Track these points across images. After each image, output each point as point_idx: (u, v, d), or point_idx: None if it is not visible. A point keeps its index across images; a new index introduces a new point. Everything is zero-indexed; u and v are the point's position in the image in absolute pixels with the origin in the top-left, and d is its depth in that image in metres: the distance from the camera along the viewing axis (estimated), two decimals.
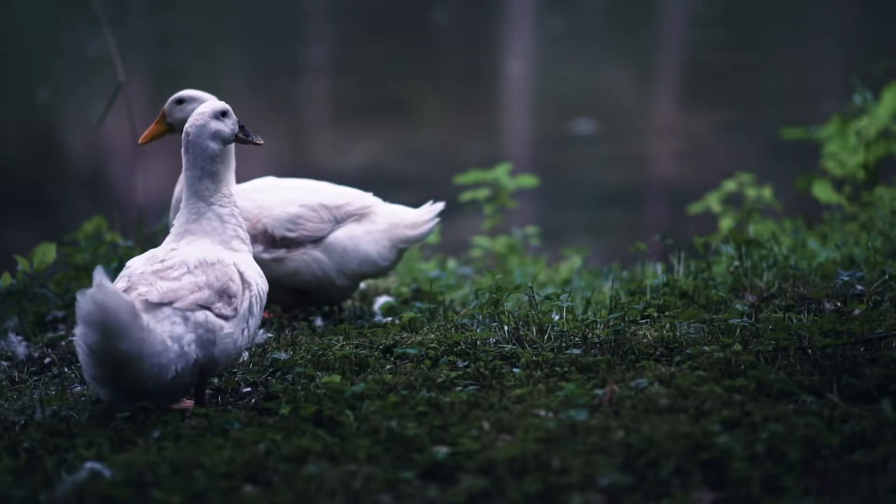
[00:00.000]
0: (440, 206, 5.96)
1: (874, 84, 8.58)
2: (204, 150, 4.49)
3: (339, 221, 5.86)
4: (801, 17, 22.82)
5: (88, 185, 13.20)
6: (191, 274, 4.32)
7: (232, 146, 5.52)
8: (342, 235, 5.84)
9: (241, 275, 4.43)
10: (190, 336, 4.25)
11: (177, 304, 4.25)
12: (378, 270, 5.92)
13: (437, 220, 5.94)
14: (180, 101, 5.74)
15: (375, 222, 5.90)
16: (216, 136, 4.50)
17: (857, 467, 3.67)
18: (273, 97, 16.51)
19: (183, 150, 4.52)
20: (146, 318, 4.16)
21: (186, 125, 4.51)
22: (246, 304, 4.41)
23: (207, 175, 4.50)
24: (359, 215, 5.89)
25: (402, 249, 5.92)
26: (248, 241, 4.59)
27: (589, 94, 17.82)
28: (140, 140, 5.82)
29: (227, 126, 4.54)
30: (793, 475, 3.66)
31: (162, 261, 4.38)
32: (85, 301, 4.03)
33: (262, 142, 4.69)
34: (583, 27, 23.45)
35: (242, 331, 4.41)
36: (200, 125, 4.49)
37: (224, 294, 4.34)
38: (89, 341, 4.10)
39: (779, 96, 16.53)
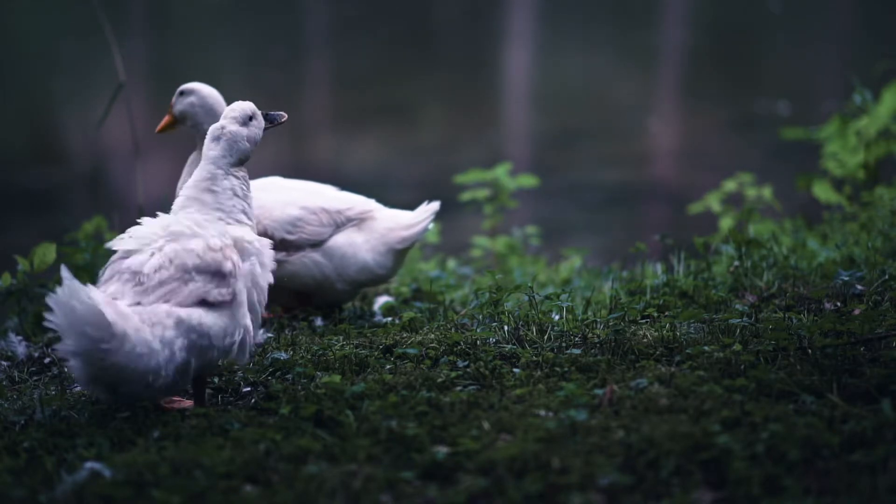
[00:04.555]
0: (436, 205, 5.95)
1: (874, 84, 8.58)
2: (236, 144, 4.53)
3: (339, 226, 5.85)
4: (801, 17, 22.81)
5: (88, 184, 13.20)
6: (184, 273, 4.27)
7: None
8: (342, 241, 5.83)
9: (248, 242, 4.40)
10: (181, 342, 4.21)
11: (172, 305, 4.21)
12: (376, 278, 5.91)
13: (432, 218, 5.93)
14: (182, 93, 5.81)
15: (374, 228, 5.88)
16: (249, 139, 4.56)
17: (857, 467, 3.67)
18: (274, 97, 16.50)
19: (211, 137, 4.51)
20: (128, 317, 4.13)
21: (222, 121, 4.53)
22: (255, 270, 4.38)
23: (233, 156, 4.53)
24: (359, 220, 5.88)
25: (399, 251, 5.90)
26: (253, 218, 4.57)
27: (589, 93, 17.82)
28: (157, 129, 5.87)
29: (259, 128, 4.61)
30: (793, 475, 3.66)
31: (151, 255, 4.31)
32: (56, 311, 4.02)
33: (285, 116, 4.76)
34: (582, 27, 23.45)
35: (250, 319, 4.36)
36: (238, 125, 4.54)
37: (217, 275, 4.28)
38: (70, 349, 4.09)
39: (779, 96, 16.53)
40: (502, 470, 3.73)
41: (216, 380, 4.70)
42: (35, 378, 5.07)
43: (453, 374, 4.53)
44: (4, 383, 4.99)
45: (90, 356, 4.06)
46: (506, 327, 5.06)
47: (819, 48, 20.30)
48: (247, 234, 4.45)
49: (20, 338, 5.51)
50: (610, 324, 5.00)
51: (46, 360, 5.34)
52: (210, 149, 4.52)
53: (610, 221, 11.71)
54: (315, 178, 6.14)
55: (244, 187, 4.54)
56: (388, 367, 4.71)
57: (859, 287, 5.38)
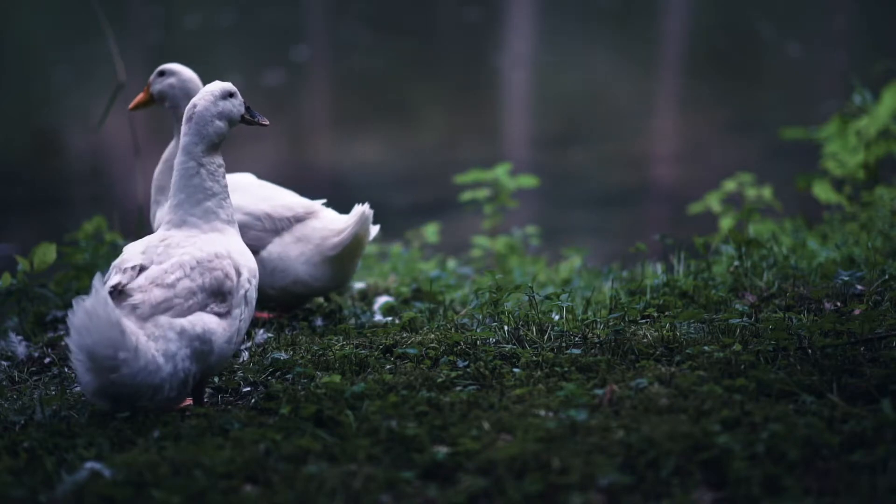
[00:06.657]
0: (364, 207, 5.73)
1: (874, 84, 8.58)
2: (208, 124, 4.47)
3: (278, 231, 5.77)
4: (801, 17, 22.82)
5: (88, 184, 13.20)
6: (187, 278, 4.29)
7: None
8: (276, 252, 5.75)
9: (236, 267, 4.40)
10: (185, 352, 4.22)
11: (170, 314, 4.21)
12: (313, 290, 5.80)
13: (361, 221, 5.70)
14: (161, 74, 5.86)
15: (310, 238, 5.76)
16: (222, 115, 4.49)
17: (857, 467, 3.67)
18: (274, 97, 16.51)
19: (185, 119, 4.49)
20: (138, 334, 4.14)
21: (194, 98, 4.50)
22: (241, 292, 4.39)
23: (204, 142, 4.49)
24: (297, 222, 5.78)
25: (335, 259, 5.77)
26: (233, 217, 4.56)
27: (589, 93, 17.82)
28: (129, 106, 5.92)
29: (235, 107, 4.53)
30: (793, 475, 3.66)
31: (159, 263, 4.33)
32: (79, 311, 4.03)
33: (267, 122, 4.69)
34: (582, 27, 23.46)
35: (240, 322, 4.38)
36: (209, 102, 4.48)
37: (218, 295, 4.31)
38: (83, 350, 4.09)
39: (779, 96, 16.53)
40: (502, 470, 3.72)
41: (216, 380, 4.70)
42: (35, 378, 5.07)
43: (453, 374, 4.53)
44: (4, 383, 4.99)
45: (104, 365, 4.07)
46: (506, 327, 5.06)
47: (819, 48, 20.30)
48: (236, 245, 4.45)
49: (20, 338, 5.51)
50: (610, 324, 5.00)
51: (46, 360, 5.34)
52: (183, 133, 4.49)
53: (610, 221, 11.71)
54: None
55: (220, 180, 4.50)
56: (388, 367, 4.71)
57: (859, 287, 5.38)
